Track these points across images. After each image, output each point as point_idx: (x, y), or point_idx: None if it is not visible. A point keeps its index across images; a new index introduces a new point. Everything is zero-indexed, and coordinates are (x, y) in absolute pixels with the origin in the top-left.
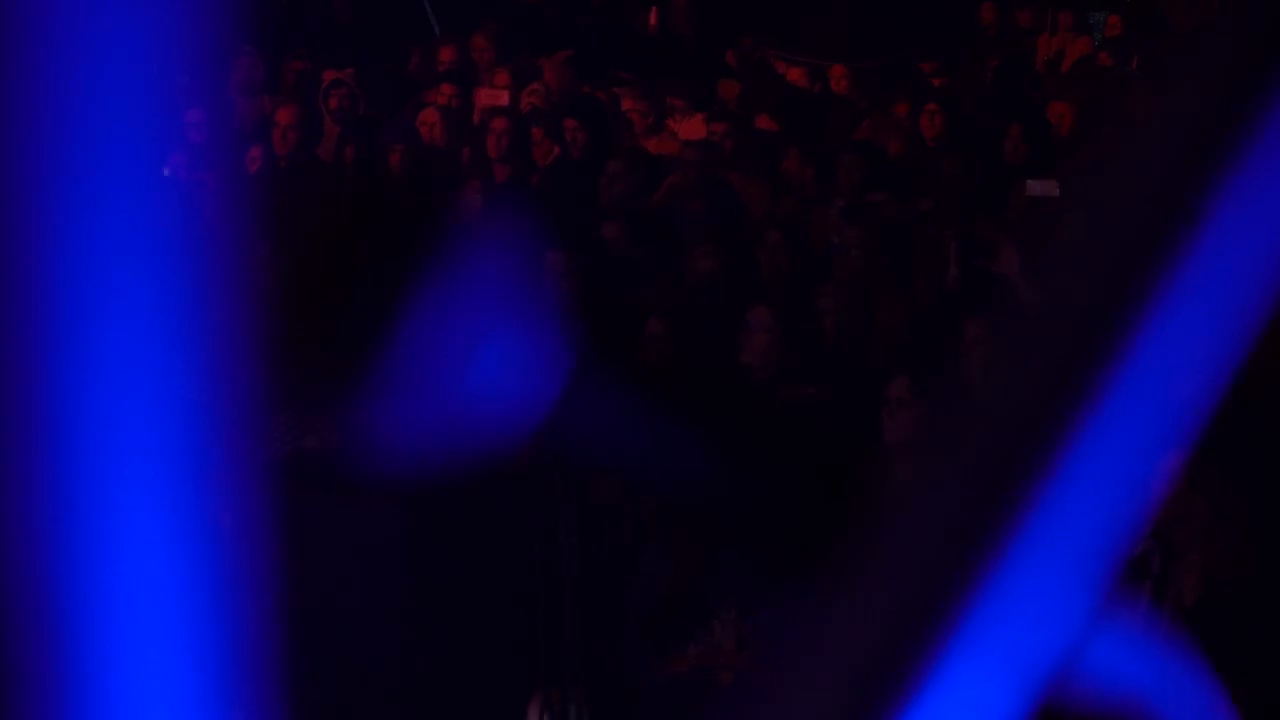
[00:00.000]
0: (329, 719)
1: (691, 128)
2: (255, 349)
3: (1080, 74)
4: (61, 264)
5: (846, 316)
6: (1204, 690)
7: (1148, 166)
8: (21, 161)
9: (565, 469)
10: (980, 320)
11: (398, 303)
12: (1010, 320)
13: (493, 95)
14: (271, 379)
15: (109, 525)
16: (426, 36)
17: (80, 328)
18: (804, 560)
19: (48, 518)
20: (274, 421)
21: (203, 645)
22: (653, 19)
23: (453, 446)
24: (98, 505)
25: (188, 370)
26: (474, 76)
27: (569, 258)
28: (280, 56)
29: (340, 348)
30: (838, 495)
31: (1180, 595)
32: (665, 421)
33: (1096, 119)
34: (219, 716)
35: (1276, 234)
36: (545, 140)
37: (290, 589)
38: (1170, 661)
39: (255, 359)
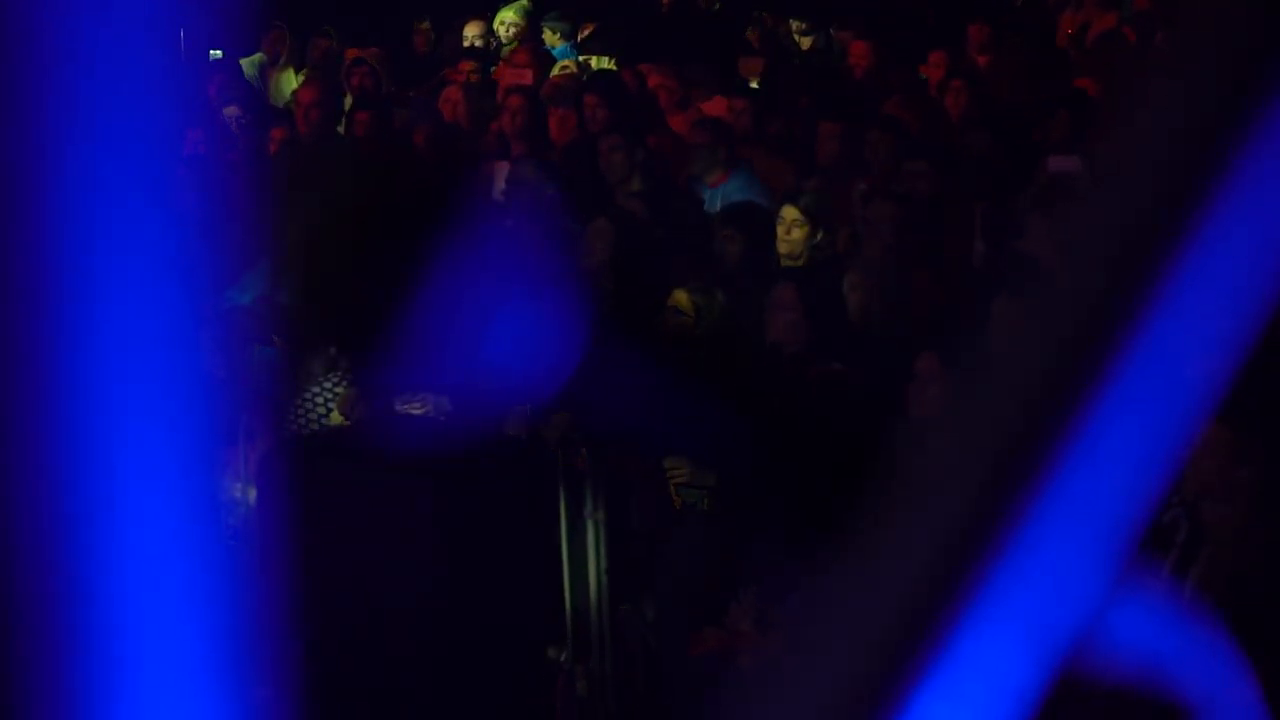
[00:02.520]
0: (350, 698)
1: (716, 106)
2: (275, 326)
3: (1104, 49)
4: (73, 249)
5: (874, 293)
6: (1226, 663)
7: (1164, 135)
8: (33, 144)
9: (591, 444)
10: (1008, 297)
11: (415, 275)
12: (1030, 289)
13: (516, 74)
14: (293, 356)
15: (123, 508)
16: (448, 13)
17: (93, 314)
18: (828, 535)
19: (62, 504)
20: (300, 399)
21: (220, 628)
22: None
23: (470, 416)
24: (111, 490)
25: (205, 351)
26: (495, 54)
27: (590, 230)
28: (307, 33)
29: (358, 320)
30: (864, 470)
31: (1206, 566)
32: (690, 394)
33: (1117, 94)
34: (238, 698)
35: None
36: (567, 117)
37: (312, 568)
38: (1192, 633)
39: (276, 336)
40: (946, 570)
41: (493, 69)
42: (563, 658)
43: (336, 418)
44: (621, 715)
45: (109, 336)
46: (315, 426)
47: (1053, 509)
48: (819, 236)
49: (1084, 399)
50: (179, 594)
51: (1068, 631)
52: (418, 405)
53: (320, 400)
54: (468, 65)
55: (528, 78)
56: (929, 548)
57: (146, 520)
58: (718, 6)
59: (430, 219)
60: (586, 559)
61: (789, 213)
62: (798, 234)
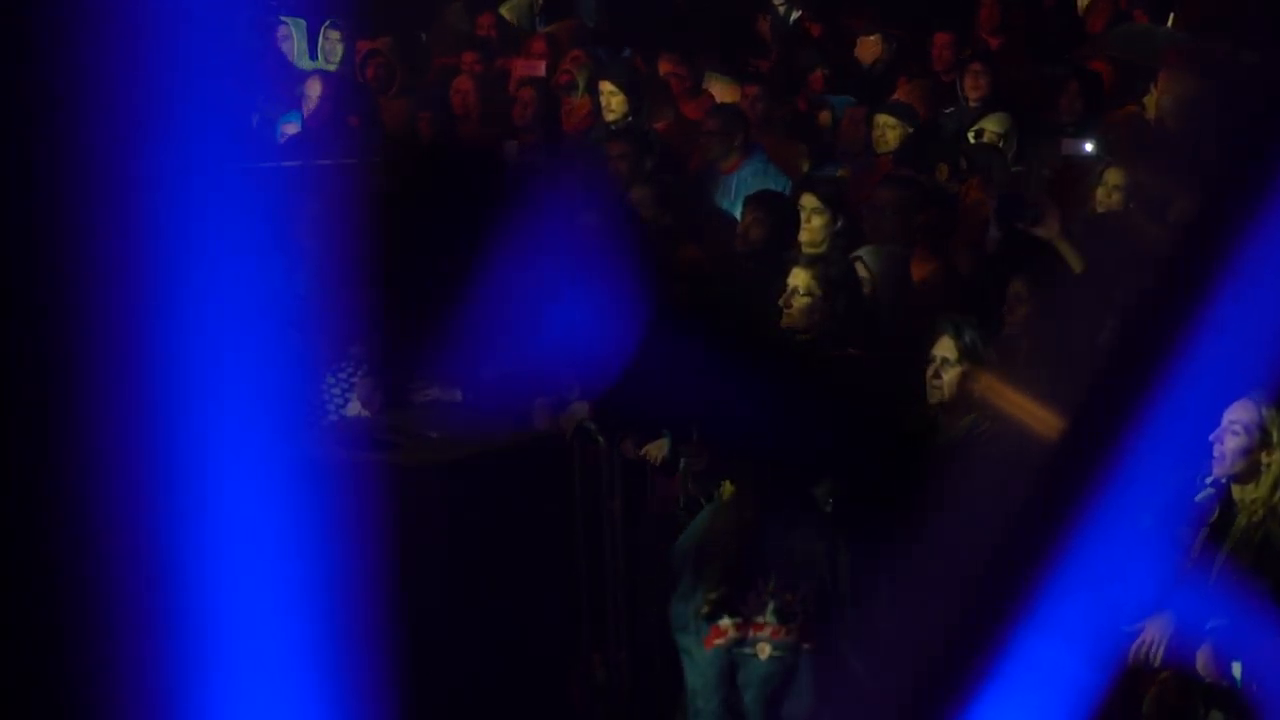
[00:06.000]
0: (374, 685)
1: (725, 90)
2: (339, 321)
3: (1117, 32)
4: (143, 259)
5: (885, 277)
6: (1273, 635)
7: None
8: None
9: (608, 433)
10: (1022, 281)
11: (472, 262)
12: (1069, 291)
13: (529, 65)
14: (358, 345)
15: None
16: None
17: (187, 315)
18: (857, 517)
19: (154, 507)
20: (318, 388)
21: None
22: None
23: (505, 408)
24: (202, 488)
25: (277, 356)
26: (508, 45)
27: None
28: (317, 27)
29: (419, 309)
30: (885, 453)
31: (1237, 540)
32: (717, 380)
33: (1137, 78)
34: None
35: None
36: (579, 106)
37: (340, 556)
38: (1241, 610)
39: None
40: (1007, 563)
41: (496, 60)
42: (580, 646)
43: (355, 407)
44: (639, 703)
45: (203, 336)
46: (333, 416)
47: (1114, 502)
48: (839, 224)
49: (1142, 391)
50: (264, 588)
51: (1129, 622)
52: (423, 394)
53: (337, 390)
54: (471, 55)
55: (540, 69)
56: (992, 544)
57: (231, 518)
58: None
59: (482, 207)
60: (604, 548)
61: (808, 200)
62: (817, 221)
